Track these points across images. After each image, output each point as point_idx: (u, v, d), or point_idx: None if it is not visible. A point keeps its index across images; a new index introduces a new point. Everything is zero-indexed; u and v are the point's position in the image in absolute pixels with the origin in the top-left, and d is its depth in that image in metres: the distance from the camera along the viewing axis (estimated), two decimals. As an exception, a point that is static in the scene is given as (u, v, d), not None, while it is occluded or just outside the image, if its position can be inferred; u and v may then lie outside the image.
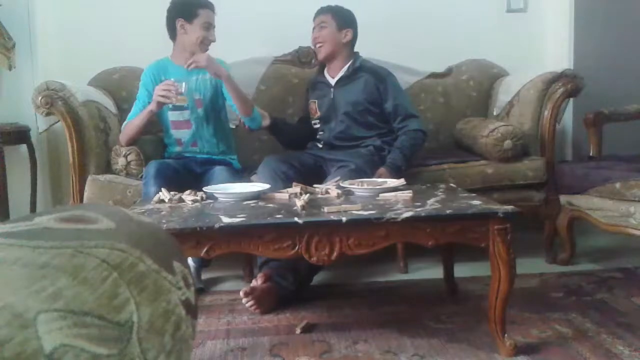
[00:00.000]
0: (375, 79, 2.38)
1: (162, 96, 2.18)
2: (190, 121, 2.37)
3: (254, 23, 2.52)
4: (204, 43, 2.32)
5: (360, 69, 2.40)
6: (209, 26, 2.33)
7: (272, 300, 1.97)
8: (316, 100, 2.48)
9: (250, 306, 1.93)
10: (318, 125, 2.49)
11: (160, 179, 2.08)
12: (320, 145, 2.47)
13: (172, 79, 2.24)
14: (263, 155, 2.39)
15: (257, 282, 2.00)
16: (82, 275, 0.54)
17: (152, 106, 2.23)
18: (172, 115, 2.37)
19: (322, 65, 2.52)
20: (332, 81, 2.44)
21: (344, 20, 2.40)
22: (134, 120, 2.30)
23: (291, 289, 2.03)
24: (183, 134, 2.39)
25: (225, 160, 2.44)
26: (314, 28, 2.45)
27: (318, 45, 2.44)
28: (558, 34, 3.02)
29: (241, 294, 1.93)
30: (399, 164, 2.25)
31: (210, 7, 2.35)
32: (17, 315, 0.47)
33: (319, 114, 2.47)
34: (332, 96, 2.42)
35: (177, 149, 2.42)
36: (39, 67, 2.76)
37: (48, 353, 0.47)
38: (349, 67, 2.41)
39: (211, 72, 2.27)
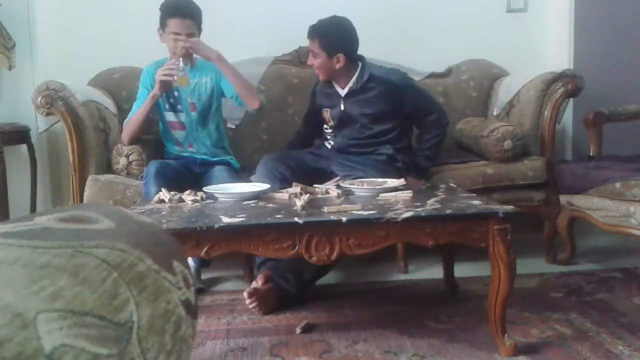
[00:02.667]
0: (391, 88, 2.29)
1: (165, 75, 2.18)
2: (184, 124, 2.38)
3: (254, 23, 2.52)
4: (176, 54, 2.27)
5: (370, 80, 2.29)
6: (176, 37, 2.26)
7: (274, 302, 1.97)
8: (328, 110, 2.41)
9: (254, 307, 1.93)
10: (330, 131, 2.46)
11: (161, 179, 2.08)
12: (329, 147, 2.44)
13: (174, 60, 2.23)
14: (263, 155, 2.39)
15: (257, 283, 2.00)
16: (82, 275, 0.54)
17: (155, 89, 2.23)
18: (168, 116, 2.39)
19: None
20: (342, 92, 2.36)
21: (333, 47, 2.25)
22: (137, 112, 2.30)
23: (292, 291, 2.02)
24: (179, 135, 2.41)
25: (224, 160, 2.44)
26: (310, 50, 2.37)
27: (316, 70, 2.37)
28: (558, 34, 3.02)
29: (245, 294, 1.93)
30: (422, 165, 2.32)
31: (181, 15, 2.26)
32: (17, 315, 0.47)
33: (332, 123, 2.41)
34: (342, 107, 2.35)
35: (176, 148, 2.42)
36: (39, 67, 2.76)
37: (48, 353, 0.47)
38: (357, 79, 2.31)
39: (202, 55, 2.27)
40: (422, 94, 2.40)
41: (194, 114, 2.37)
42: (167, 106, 2.37)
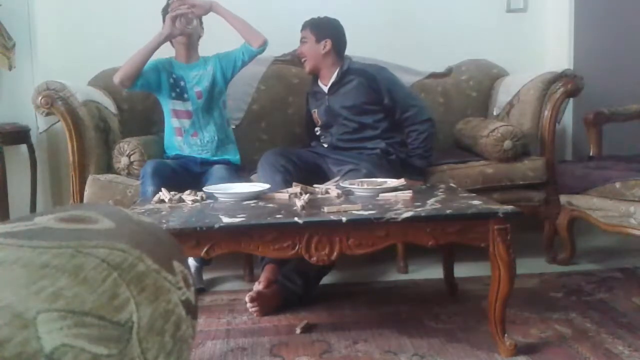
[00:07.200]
0: (367, 79, 2.39)
1: (182, 12, 2.29)
2: (190, 111, 2.42)
3: (254, 23, 2.52)
4: (174, 19, 2.32)
5: (349, 72, 2.41)
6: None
7: (276, 304, 1.97)
8: (316, 110, 2.50)
9: (255, 311, 1.93)
10: (319, 133, 2.51)
11: (158, 178, 2.09)
12: (326, 146, 2.47)
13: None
14: (262, 156, 2.40)
15: (259, 285, 1.99)
16: (82, 275, 0.54)
17: (165, 28, 2.31)
18: (173, 104, 2.42)
19: (316, 76, 2.53)
20: (326, 89, 2.46)
21: (322, 31, 2.43)
22: (142, 48, 2.30)
23: (299, 292, 2.02)
24: (184, 123, 2.43)
25: (225, 159, 2.45)
26: None
27: (302, 60, 2.50)
28: (558, 34, 3.02)
29: (247, 298, 1.92)
30: (418, 166, 2.33)
31: None
32: (17, 315, 0.47)
33: (320, 122, 2.48)
34: (327, 103, 2.44)
35: (178, 140, 2.43)
36: (39, 67, 2.76)
37: (48, 353, 0.47)
38: (338, 72, 2.42)
39: (198, 5, 2.34)
40: (400, 86, 2.46)
41: (200, 101, 2.42)
42: (173, 94, 2.41)
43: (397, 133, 2.43)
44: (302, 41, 2.47)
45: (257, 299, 1.92)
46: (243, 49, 2.42)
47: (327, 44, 2.41)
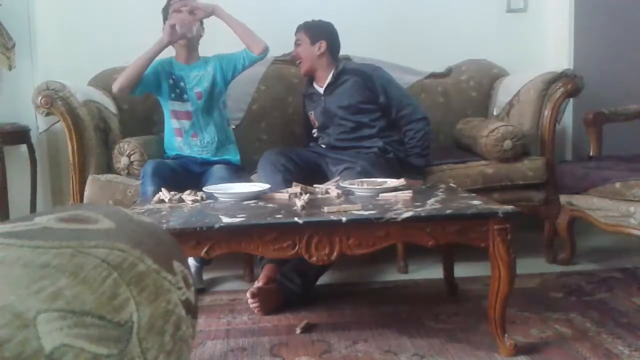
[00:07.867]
0: (362, 78, 2.39)
1: (181, 19, 2.29)
2: (190, 112, 2.41)
3: (254, 23, 2.53)
4: (174, 25, 2.31)
5: (344, 72, 2.42)
6: (178, 11, 2.35)
7: (276, 302, 1.97)
8: (312, 112, 2.51)
9: (255, 307, 1.93)
10: (317, 134, 2.51)
11: (158, 178, 2.09)
12: (324, 146, 2.47)
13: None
14: (262, 156, 2.40)
15: (260, 282, 2.00)
16: (82, 275, 0.54)
17: (165, 35, 2.29)
18: (173, 105, 2.41)
19: (311, 78, 2.53)
20: (321, 90, 2.46)
21: (316, 33, 2.44)
22: (141, 56, 2.28)
23: (298, 292, 2.02)
24: (184, 124, 2.42)
25: (225, 159, 2.45)
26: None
27: (297, 62, 2.51)
28: (558, 34, 3.02)
29: (248, 294, 1.93)
30: (416, 165, 2.34)
31: None
32: (17, 315, 0.47)
33: (317, 124, 2.49)
34: (323, 104, 2.44)
35: (178, 140, 2.43)
36: (39, 67, 2.76)
37: (48, 353, 0.47)
38: (333, 73, 2.43)
39: (201, 9, 2.35)
40: (395, 85, 2.46)
41: (200, 102, 2.41)
42: (172, 95, 2.40)
43: (394, 132, 2.43)
44: (297, 43, 2.47)
45: (258, 294, 1.92)
46: (244, 54, 2.41)
47: (322, 46, 2.42)
